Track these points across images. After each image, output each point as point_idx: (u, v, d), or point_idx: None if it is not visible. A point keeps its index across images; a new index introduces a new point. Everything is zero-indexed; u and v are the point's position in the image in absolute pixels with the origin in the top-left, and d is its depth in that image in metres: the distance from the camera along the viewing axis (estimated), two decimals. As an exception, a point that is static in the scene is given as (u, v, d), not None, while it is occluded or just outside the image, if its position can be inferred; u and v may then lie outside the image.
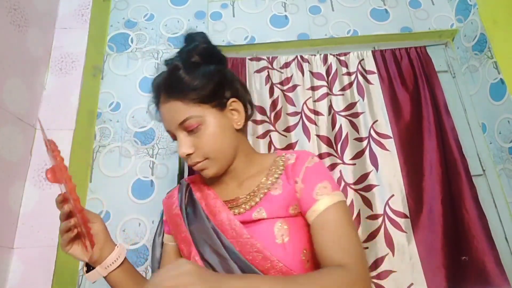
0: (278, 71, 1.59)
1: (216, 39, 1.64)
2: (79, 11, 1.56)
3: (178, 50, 0.83)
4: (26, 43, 1.32)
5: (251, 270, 0.70)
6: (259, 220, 0.73)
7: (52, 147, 0.71)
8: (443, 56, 1.64)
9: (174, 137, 0.78)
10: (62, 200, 0.71)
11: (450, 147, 1.43)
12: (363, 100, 1.52)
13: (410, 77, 1.56)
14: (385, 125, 1.48)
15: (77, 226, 0.72)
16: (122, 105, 1.54)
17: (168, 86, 0.76)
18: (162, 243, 0.91)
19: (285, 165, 0.78)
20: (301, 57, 1.61)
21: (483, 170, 1.44)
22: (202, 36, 0.83)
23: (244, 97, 0.83)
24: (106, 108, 1.54)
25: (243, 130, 0.82)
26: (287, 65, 1.60)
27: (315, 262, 0.72)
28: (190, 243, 0.78)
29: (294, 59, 1.61)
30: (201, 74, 0.76)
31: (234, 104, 0.79)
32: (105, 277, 0.75)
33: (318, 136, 1.48)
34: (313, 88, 1.56)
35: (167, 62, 0.81)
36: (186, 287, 0.50)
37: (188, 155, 0.74)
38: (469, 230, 1.31)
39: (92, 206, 1.38)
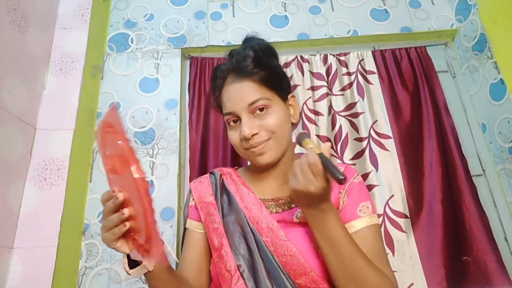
0: (278, 71, 1.59)
1: (216, 39, 1.64)
2: (79, 11, 1.56)
3: (243, 46, 0.85)
4: (26, 43, 1.32)
5: (278, 274, 0.70)
6: (299, 223, 0.74)
7: (115, 127, 0.61)
8: (443, 56, 1.64)
9: (235, 120, 0.78)
10: (111, 195, 0.61)
11: (450, 147, 1.43)
12: (363, 100, 1.52)
13: (410, 77, 1.56)
14: (385, 125, 1.48)
15: (131, 219, 0.61)
16: (122, 105, 1.54)
17: (243, 68, 0.77)
18: (185, 229, 0.87)
19: None
20: (301, 57, 1.61)
21: (483, 170, 1.44)
22: (261, 39, 0.88)
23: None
24: (106, 108, 1.54)
25: (292, 130, 0.86)
26: (287, 65, 1.60)
27: None
28: (222, 234, 0.78)
29: (294, 59, 1.61)
30: (272, 63, 0.81)
31: (292, 100, 0.84)
32: (145, 274, 0.69)
33: (318, 136, 1.48)
34: (313, 88, 1.56)
35: (233, 52, 0.83)
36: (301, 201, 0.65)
37: (253, 135, 0.75)
38: (470, 230, 1.31)
39: (93, 206, 1.38)
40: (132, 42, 1.66)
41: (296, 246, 0.71)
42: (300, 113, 0.87)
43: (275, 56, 0.85)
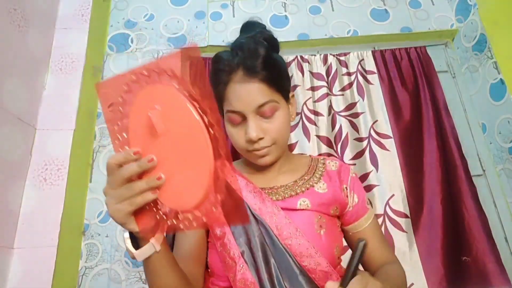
0: (278, 71, 1.59)
1: (216, 39, 1.64)
2: (79, 11, 1.56)
3: (242, 36, 0.80)
4: (26, 43, 1.32)
5: (285, 257, 0.71)
6: (302, 210, 0.76)
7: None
8: (443, 56, 1.64)
9: (239, 121, 0.74)
10: (129, 157, 0.52)
11: (450, 147, 1.43)
12: (363, 100, 1.52)
13: (410, 77, 1.56)
14: (385, 125, 1.48)
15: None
16: (122, 105, 1.53)
17: (253, 66, 0.72)
18: None
19: (325, 169, 0.85)
20: (301, 57, 1.61)
21: (483, 170, 1.44)
22: (263, 25, 0.83)
23: None
24: (106, 108, 1.53)
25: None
26: (287, 65, 1.59)
27: (340, 260, 0.80)
28: (223, 223, 0.72)
29: (294, 59, 1.61)
30: (280, 62, 0.78)
31: (293, 99, 0.83)
32: (147, 260, 0.59)
33: (318, 136, 1.48)
34: (313, 89, 1.56)
35: (242, 45, 0.76)
36: None
37: (259, 139, 0.74)
38: (469, 230, 1.31)
39: (93, 206, 1.38)
40: (132, 42, 1.66)
41: (300, 228, 0.72)
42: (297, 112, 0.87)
43: (278, 50, 0.82)
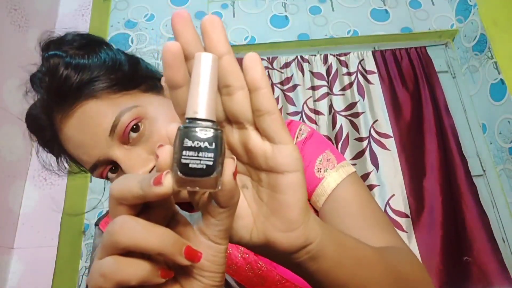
0: (278, 71, 1.60)
1: (216, 39, 1.64)
2: (79, 11, 1.56)
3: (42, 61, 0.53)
4: (26, 43, 1.32)
5: None
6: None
7: None
8: (443, 57, 1.64)
9: (112, 169, 0.46)
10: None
11: (450, 147, 1.44)
12: (364, 99, 1.52)
13: (410, 77, 1.56)
14: (385, 125, 1.48)
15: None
16: (122, 105, 1.54)
17: (64, 90, 0.46)
18: None
19: None
20: (301, 57, 1.61)
21: (483, 171, 1.44)
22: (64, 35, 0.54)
23: None
24: (106, 108, 1.54)
25: None
26: (287, 65, 1.60)
27: None
28: None
29: (294, 59, 1.61)
30: (98, 58, 0.48)
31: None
32: None
33: (318, 136, 1.48)
34: (314, 88, 1.56)
35: (35, 80, 0.51)
36: None
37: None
38: (470, 230, 1.31)
39: (93, 206, 1.38)
40: (132, 42, 1.66)
41: (285, 274, 0.49)
42: None
43: (95, 43, 0.51)
